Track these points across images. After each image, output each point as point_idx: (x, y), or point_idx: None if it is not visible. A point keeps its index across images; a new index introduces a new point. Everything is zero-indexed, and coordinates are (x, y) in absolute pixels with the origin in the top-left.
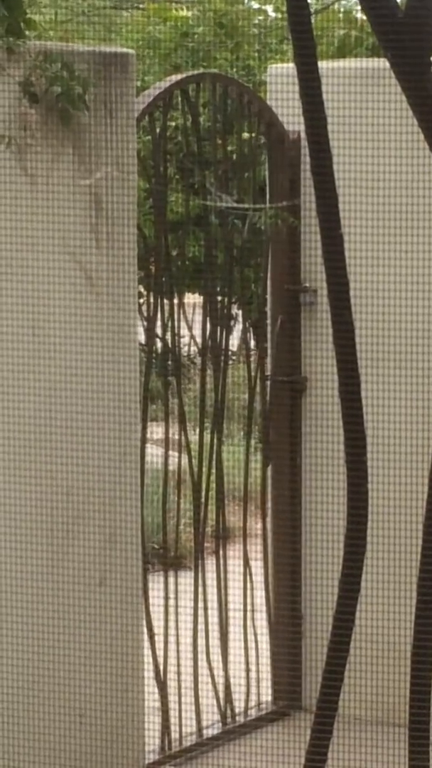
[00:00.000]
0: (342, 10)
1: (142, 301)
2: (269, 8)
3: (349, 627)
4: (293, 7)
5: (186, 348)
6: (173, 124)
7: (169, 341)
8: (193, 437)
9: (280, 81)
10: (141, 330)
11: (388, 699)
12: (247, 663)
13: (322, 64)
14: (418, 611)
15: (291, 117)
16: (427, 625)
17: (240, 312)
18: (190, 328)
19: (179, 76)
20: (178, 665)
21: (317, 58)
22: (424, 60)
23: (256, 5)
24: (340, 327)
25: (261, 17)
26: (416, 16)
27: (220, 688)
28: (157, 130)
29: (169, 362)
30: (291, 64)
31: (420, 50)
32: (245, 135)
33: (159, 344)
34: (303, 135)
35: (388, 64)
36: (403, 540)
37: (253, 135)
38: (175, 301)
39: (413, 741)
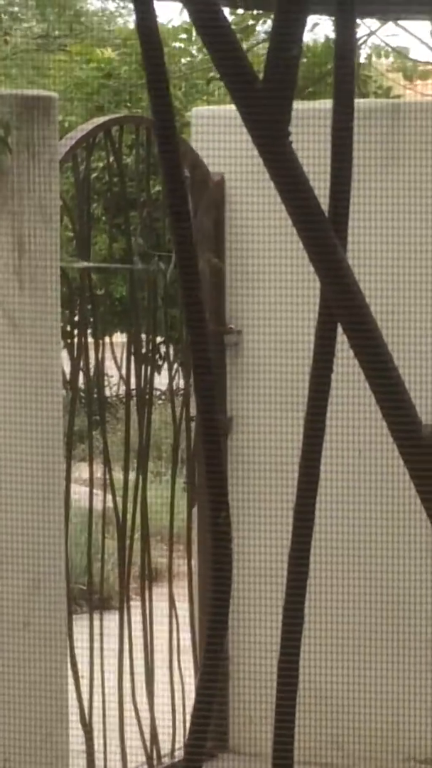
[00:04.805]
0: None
1: (69, 341)
2: (194, 49)
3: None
4: (145, 43)
5: (115, 388)
6: (100, 164)
7: (95, 381)
8: (120, 477)
9: (204, 123)
10: (67, 370)
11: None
12: (173, 704)
13: None
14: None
15: (215, 159)
16: (291, 666)
17: (168, 352)
18: (118, 368)
19: (102, 119)
20: (104, 707)
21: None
22: (282, 132)
23: (179, 45)
24: (198, 370)
25: (188, 58)
26: (273, 89)
27: (146, 730)
28: (81, 171)
29: (95, 401)
30: (215, 106)
31: (278, 122)
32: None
33: (84, 384)
34: (227, 177)
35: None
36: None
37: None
38: (101, 341)
39: None
